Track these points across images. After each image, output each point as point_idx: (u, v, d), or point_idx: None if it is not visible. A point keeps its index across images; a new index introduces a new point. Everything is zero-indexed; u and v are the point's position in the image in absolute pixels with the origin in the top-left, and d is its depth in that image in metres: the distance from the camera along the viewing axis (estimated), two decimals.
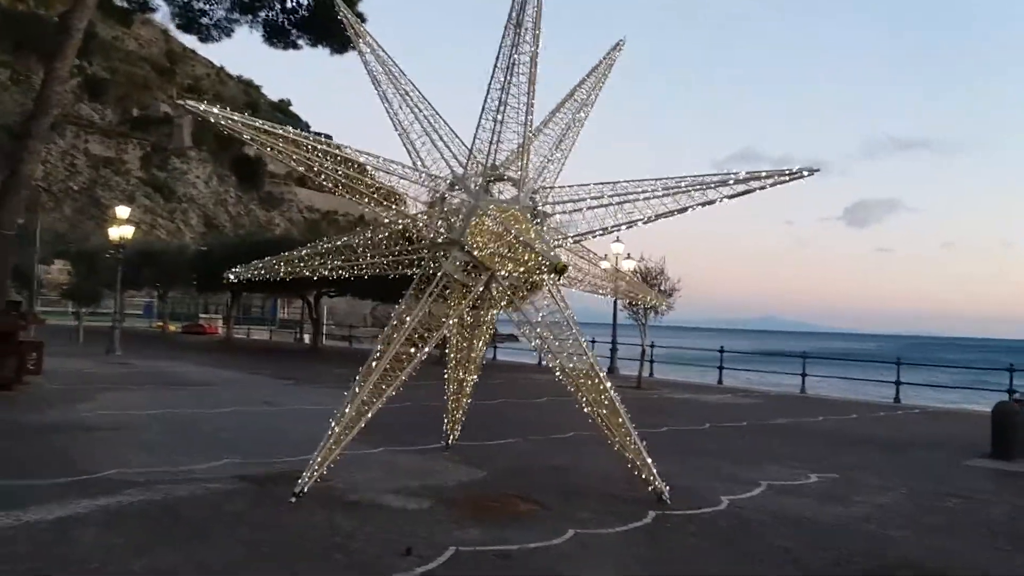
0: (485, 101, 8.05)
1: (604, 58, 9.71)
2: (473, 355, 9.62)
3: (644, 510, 7.60)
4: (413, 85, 8.97)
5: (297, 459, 9.30)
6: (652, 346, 24.95)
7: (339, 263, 9.11)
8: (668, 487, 8.06)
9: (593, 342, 28.12)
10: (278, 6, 19.25)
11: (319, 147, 7.40)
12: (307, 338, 43.41)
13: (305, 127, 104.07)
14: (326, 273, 9.37)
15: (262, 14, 19.25)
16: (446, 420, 10.35)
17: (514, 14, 7.53)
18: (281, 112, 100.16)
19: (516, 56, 7.63)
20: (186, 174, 76.28)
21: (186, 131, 76.37)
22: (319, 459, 7.45)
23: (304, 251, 9.21)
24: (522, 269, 7.18)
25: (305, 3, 19.16)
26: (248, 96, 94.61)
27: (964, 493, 9.32)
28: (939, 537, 7.30)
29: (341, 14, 9.21)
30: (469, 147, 8.34)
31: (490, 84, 7.92)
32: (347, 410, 7.62)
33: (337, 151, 7.52)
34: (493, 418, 13.86)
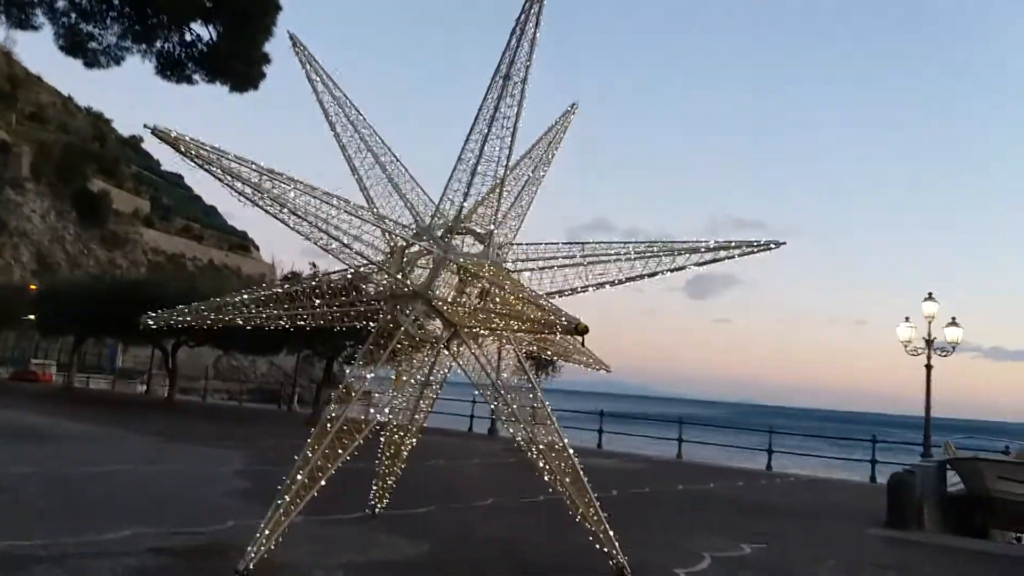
0: (462, 152, 7.72)
1: (559, 120, 9.64)
2: (417, 417, 9.04)
3: None
4: (373, 129, 8.52)
5: (213, 528, 8.41)
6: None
7: (279, 312, 8.37)
8: (625, 559, 7.77)
9: (474, 402, 27.92)
10: (176, 38, 18.10)
11: (295, 186, 6.75)
12: (156, 391, 40.52)
13: (157, 164, 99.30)
14: (260, 323, 8.58)
15: (157, 44, 18.04)
16: (375, 486, 9.61)
17: (503, 67, 7.27)
18: (131, 148, 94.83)
19: (502, 109, 7.36)
20: (21, 207, 70.19)
21: (25, 161, 70.58)
22: (267, 531, 6.65)
23: (239, 298, 8.41)
24: (516, 327, 6.79)
25: (205, 37, 18.14)
26: (97, 129, 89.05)
27: (891, 564, 9.59)
28: None
29: (297, 52, 8.64)
30: (439, 197, 7.96)
31: (469, 135, 7.62)
32: (298, 476, 6.86)
33: (312, 192, 6.90)
34: (415, 483, 13.17)
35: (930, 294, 21.35)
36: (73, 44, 17.51)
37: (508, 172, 7.80)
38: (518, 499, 12.52)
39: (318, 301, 8.42)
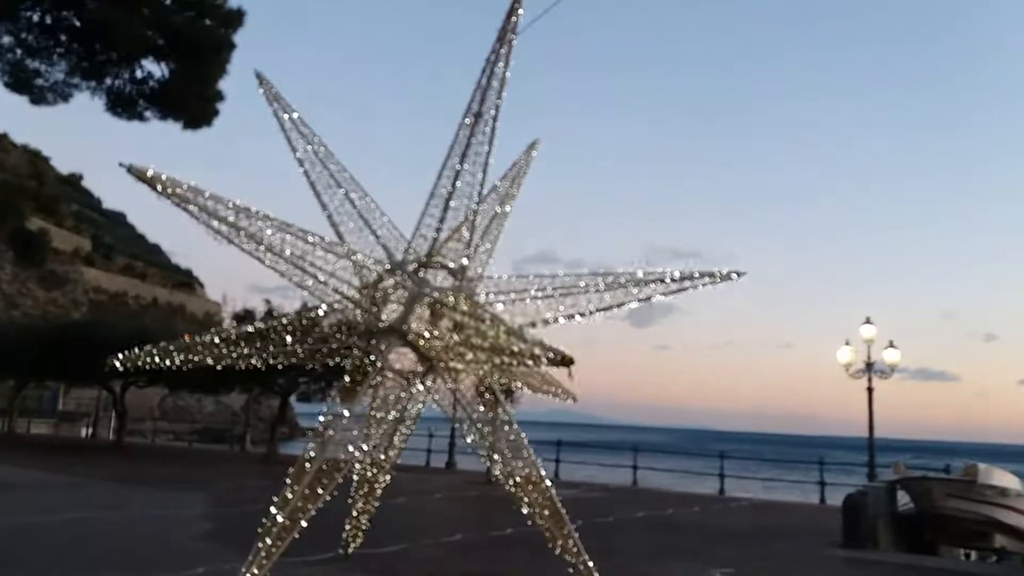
0: (435, 187, 7.85)
1: (522, 156, 9.86)
2: (392, 453, 9.03)
3: None
4: (342, 165, 8.59)
5: (185, 574, 8.23)
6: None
7: (251, 351, 8.32)
8: None
9: (431, 436, 27.76)
10: (126, 75, 17.99)
11: (270, 224, 6.78)
12: (101, 433, 39.31)
13: (97, 202, 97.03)
14: (231, 363, 8.51)
15: (107, 81, 17.89)
16: (348, 525, 9.51)
17: (475, 105, 7.44)
18: (71, 185, 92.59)
19: (472, 146, 7.52)
20: None
21: None
22: (248, 575, 6.55)
23: (208, 337, 8.34)
24: (495, 361, 6.89)
25: (157, 74, 18.05)
26: (34, 167, 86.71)
27: None
28: None
29: (263, 90, 8.68)
30: (411, 232, 8.05)
31: (441, 170, 7.75)
32: (278, 518, 6.81)
33: (287, 228, 6.93)
34: (381, 520, 13.05)
35: (868, 318, 21.97)
36: (18, 81, 17.30)
37: (480, 208, 7.94)
38: (487, 533, 12.51)
39: (290, 339, 8.44)
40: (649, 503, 18.68)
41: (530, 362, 6.04)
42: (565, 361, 5.68)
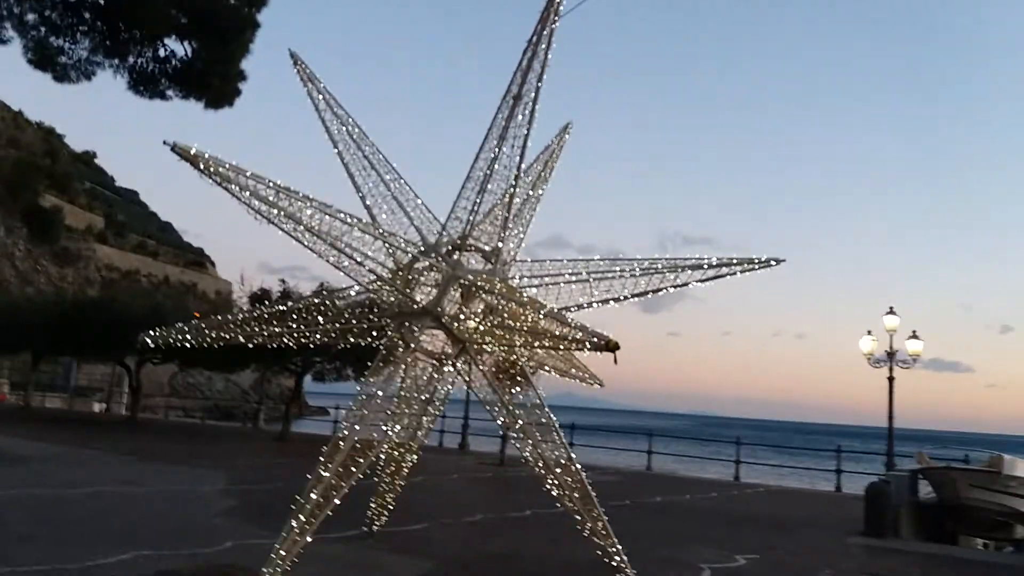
0: (471, 169, 7.82)
1: (555, 139, 9.80)
2: (420, 432, 9.05)
3: None
4: (376, 147, 8.56)
5: (213, 549, 8.33)
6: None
7: (283, 330, 8.34)
8: (635, 572, 7.87)
9: (444, 417, 27.82)
10: (149, 53, 17.88)
11: (309, 204, 6.75)
12: (115, 408, 39.60)
13: (110, 180, 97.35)
14: (261, 341, 8.53)
15: (130, 59, 17.80)
16: (374, 503, 9.56)
17: (514, 87, 7.38)
18: (84, 163, 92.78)
19: (511, 128, 7.47)
20: None
21: None
22: (283, 552, 6.59)
23: (242, 316, 8.36)
24: (533, 343, 6.86)
25: (180, 53, 17.95)
26: (48, 144, 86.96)
27: (880, 572, 9.84)
28: None
29: (298, 70, 8.63)
30: (445, 214, 8.04)
31: (479, 153, 7.72)
32: (312, 495, 6.83)
33: (326, 209, 6.91)
34: (403, 499, 13.11)
35: (891, 308, 21.90)
36: (42, 58, 17.19)
37: (517, 191, 7.90)
38: (507, 514, 12.57)
39: (322, 319, 8.45)
40: (665, 488, 18.71)
41: (572, 346, 6.00)
42: (610, 346, 5.64)
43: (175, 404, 56.46)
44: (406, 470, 9.46)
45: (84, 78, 17.96)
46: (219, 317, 8.47)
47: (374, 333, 8.39)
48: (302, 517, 6.73)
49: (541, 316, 6.41)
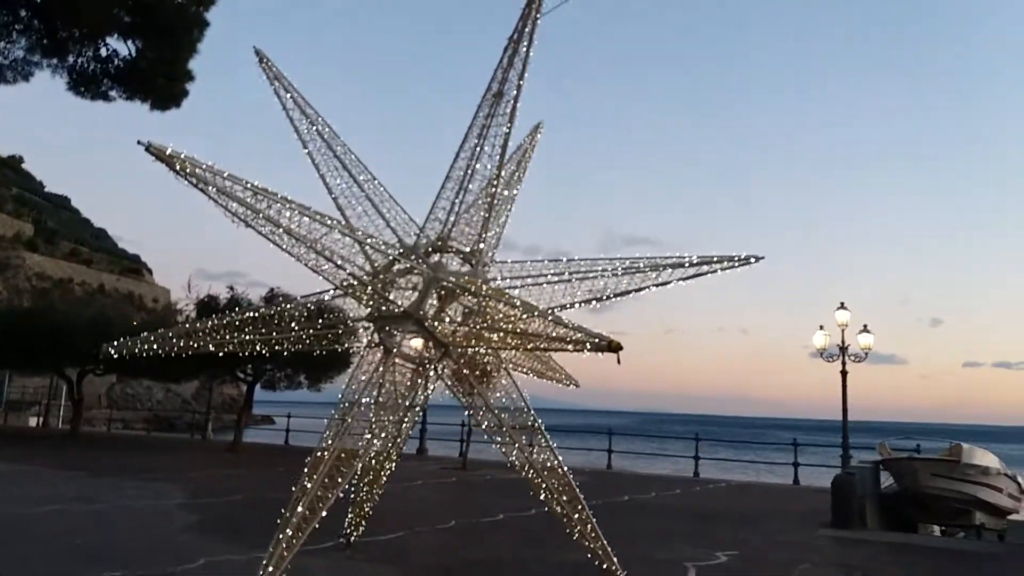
0: (450, 169, 7.64)
1: (526, 138, 9.69)
2: (399, 440, 8.81)
3: None
4: (347, 147, 8.31)
5: (186, 568, 7.96)
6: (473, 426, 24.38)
7: (254, 337, 8.03)
8: (625, 573, 7.80)
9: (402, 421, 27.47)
10: (90, 53, 17.23)
11: (288, 206, 6.50)
12: (51, 422, 38.18)
13: (39, 186, 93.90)
14: (233, 349, 8.21)
15: (70, 59, 17.13)
16: (351, 514, 9.27)
17: (495, 85, 7.23)
18: (11, 169, 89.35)
19: (491, 128, 7.32)
20: None
21: None
22: (271, 568, 6.32)
23: (211, 323, 8.02)
24: (531, 347, 6.71)
25: (124, 53, 17.34)
26: None
27: (857, 564, 9.96)
28: None
29: (264, 68, 8.33)
30: (425, 215, 7.84)
31: (458, 152, 7.54)
32: (298, 509, 6.57)
33: (305, 212, 6.65)
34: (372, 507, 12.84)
35: (842, 303, 22.30)
36: None
37: (498, 190, 7.74)
38: (480, 519, 12.38)
39: (295, 325, 8.17)
40: (629, 486, 18.71)
41: (570, 348, 5.87)
42: (612, 347, 5.53)
43: (113, 416, 54.74)
44: (384, 479, 9.21)
45: (21, 79, 17.26)
46: (188, 325, 8.11)
47: (348, 338, 8.18)
48: (289, 531, 6.47)
49: (535, 318, 6.28)
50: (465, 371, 7.77)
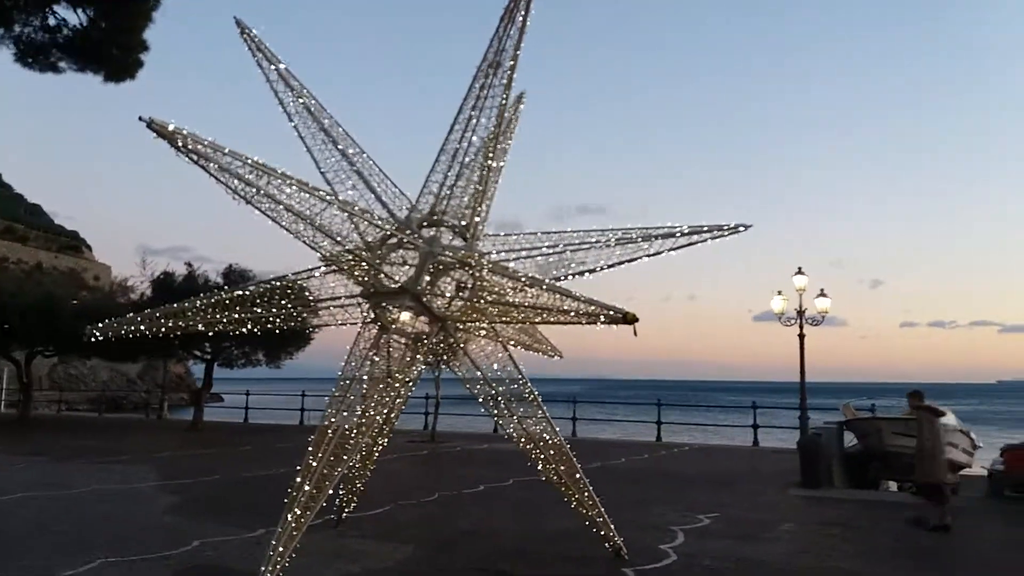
0: (445, 142, 7.56)
1: (510, 109, 9.54)
2: (393, 416, 8.78)
3: (620, 568, 7.42)
4: (335, 120, 8.14)
5: (181, 551, 7.86)
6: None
7: (244, 316, 7.89)
8: (622, 540, 7.96)
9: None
10: (37, 22, 16.50)
11: (288, 182, 6.37)
12: None
13: None
14: (223, 328, 8.07)
15: (16, 29, 16.38)
16: (343, 490, 9.24)
17: (491, 54, 7.16)
18: None
19: (487, 98, 7.26)
20: None
21: None
22: (280, 548, 6.27)
23: (200, 303, 7.84)
24: (539, 320, 6.71)
25: (73, 22, 16.64)
26: None
27: (832, 521, 10.31)
28: (872, 561, 7.98)
29: (244, 38, 8.08)
30: (419, 189, 7.76)
31: (453, 124, 7.47)
32: (305, 487, 6.52)
33: (305, 187, 6.52)
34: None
35: (799, 268, 22.71)
36: None
37: (493, 162, 7.69)
38: (461, 490, 12.47)
39: (285, 302, 8.06)
40: (599, 453, 18.95)
41: (582, 320, 5.91)
42: (628, 319, 5.58)
43: (54, 398, 53.38)
44: (376, 454, 9.20)
45: None
46: (176, 305, 7.91)
47: (343, 313, 8.10)
48: (297, 511, 6.43)
49: (543, 291, 6.30)
50: (462, 346, 7.76)
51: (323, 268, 7.89)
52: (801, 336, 22.27)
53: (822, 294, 22.39)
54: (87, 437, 22.25)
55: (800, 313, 22.43)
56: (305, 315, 8.12)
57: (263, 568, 6.15)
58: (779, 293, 22.94)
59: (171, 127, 5.58)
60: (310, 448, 6.74)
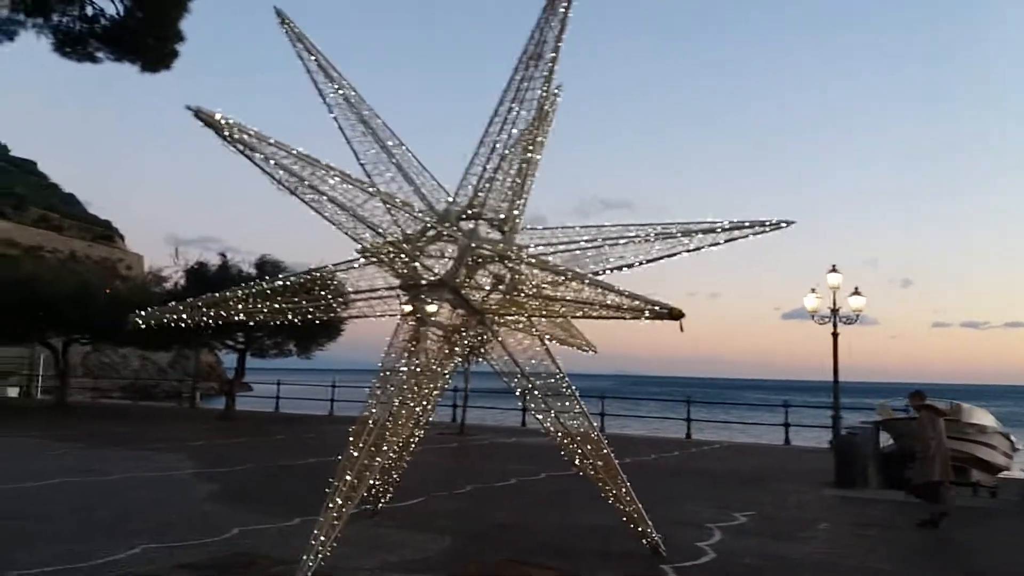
0: (484, 135, 7.53)
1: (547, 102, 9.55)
2: (429, 407, 8.79)
3: (658, 565, 7.38)
4: (374, 112, 8.14)
5: (222, 538, 7.94)
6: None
7: (284, 306, 7.94)
8: (660, 536, 7.91)
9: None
10: (75, 12, 16.72)
11: (332, 173, 6.39)
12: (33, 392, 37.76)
13: (4, 149, 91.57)
14: (263, 318, 8.12)
15: (55, 19, 16.61)
16: (379, 482, 9.27)
17: (531, 46, 7.12)
18: None
19: (528, 90, 7.22)
20: None
21: None
22: (322, 538, 6.29)
23: (240, 292, 7.89)
24: (581, 315, 6.67)
25: (111, 12, 16.85)
26: None
27: (869, 522, 10.18)
28: (911, 563, 7.86)
29: (285, 29, 8.11)
30: (458, 182, 7.75)
31: (492, 117, 7.43)
32: (347, 477, 6.55)
33: (348, 179, 6.55)
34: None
35: (833, 267, 22.41)
36: None
37: (533, 155, 7.67)
38: (493, 484, 12.49)
39: (325, 293, 8.09)
40: (627, 449, 18.79)
41: (627, 316, 5.86)
42: (674, 314, 5.53)
43: (88, 385, 54.21)
44: (413, 446, 9.22)
45: (5, 38, 16.75)
46: (218, 294, 7.96)
47: (382, 305, 8.13)
48: (339, 500, 6.45)
49: (585, 285, 6.26)
50: (499, 339, 7.75)
51: (363, 260, 7.91)
52: (835, 335, 22.05)
53: (856, 292, 22.12)
54: (122, 424, 22.59)
55: (834, 311, 22.21)
56: (345, 306, 8.16)
57: (304, 557, 6.18)
58: (813, 291, 22.73)
59: (218, 116, 5.61)
60: (351, 439, 6.76)
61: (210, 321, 7.96)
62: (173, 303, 8.01)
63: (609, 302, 5.95)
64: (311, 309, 8.03)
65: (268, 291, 7.84)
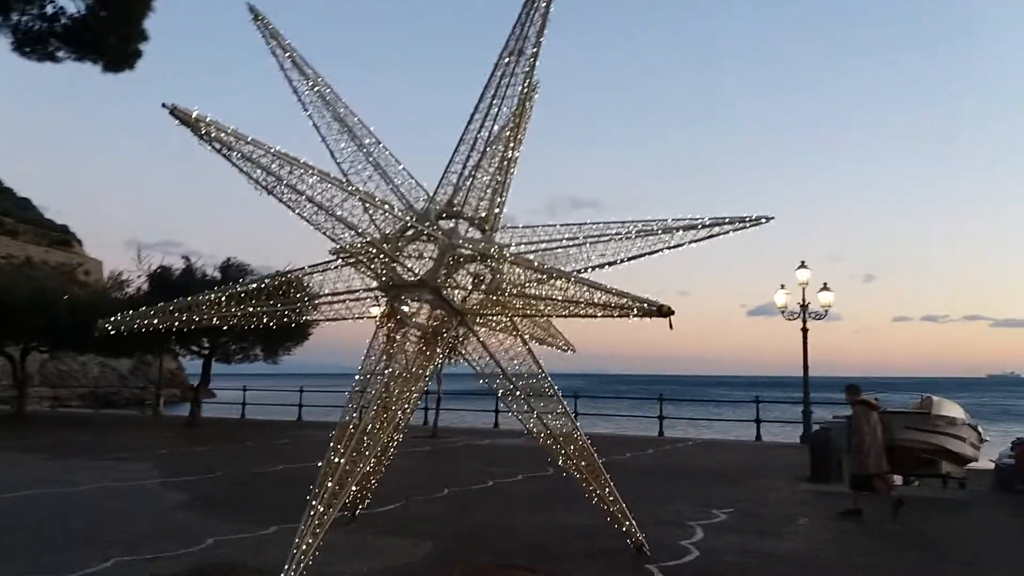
0: (464, 132, 7.43)
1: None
2: (409, 411, 8.65)
3: (643, 565, 7.33)
4: (350, 110, 8.00)
5: (196, 548, 7.73)
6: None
7: (259, 309, 7.76)
8: (643, 536, 7.87)
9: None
10: (34, 10, 16.28)
11: (310, 173, 6.23)
12: None
13: None
14: (237, 322, 7.94)
15: (13, 17, 16.16)
16: (355, 487, 9.08)
17: (512, 42, 7.02)
18: None
19: (510, 87, 7.12)
20: None
21: None
22: (303, 546, 6.12)
23: (212, 296, 7.70)
24: (567, 314, 6.56)
25: (70, 11, 16.43)
26: None
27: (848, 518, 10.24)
28: (892, 554, 7.90)
29: (258, 26, 7.95)
30: (438, 181, 7.63)
31: (473, 114, 7.33)
32: (328, 484, 6.38)
33: (327, 178, 6.39)
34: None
35: (802, 263, 22.72)
36: None
37: (513, 153, 7.58)
38: (470, 486, 12.36)
39: (301, 295, 7.93)
40: (603, 448, 18.69)
41: (615, 313, 5.79)
42: (663, 312, 5.46)
43: (46, 394, 53.01)
44: (391, 450, 9.08)
45: None
46: (187, 299, 7.76)
47: (360, 307, 7.98)
48: (320, 508, 6.28)
49: (572, 283, 6.18)
50: (481, 340, 7.65)
51: (340, 261, 7.76)
52: (804, 331, 22.28)
53: (825, 288, 22.37)
54: (84, 433, 22.04)
55: (803, 307, 22.43)
56: (321, 309, 8.00)
57: (286, 567, 6.01)
58: (782, 287, 22.95)
59: (194, 114, 5.44)
60: (331, 444, 6.61)
61: (181, 326, 7.78)
62: (144, 308, 7.79)
63: (597, 300, 5.87)
64: (286, 312, 7.87)
65: (242, 294, 7.66)
